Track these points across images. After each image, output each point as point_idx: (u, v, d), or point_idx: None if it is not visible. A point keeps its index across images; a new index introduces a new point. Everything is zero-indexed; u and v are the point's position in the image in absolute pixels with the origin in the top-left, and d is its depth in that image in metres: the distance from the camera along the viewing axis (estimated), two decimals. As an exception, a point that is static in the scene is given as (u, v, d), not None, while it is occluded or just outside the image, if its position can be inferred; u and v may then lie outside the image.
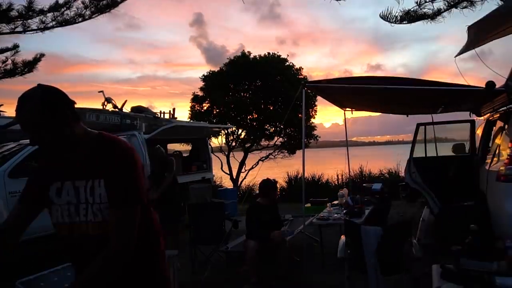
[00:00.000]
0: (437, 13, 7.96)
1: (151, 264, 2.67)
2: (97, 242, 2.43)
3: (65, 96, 2.46)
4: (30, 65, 10.88)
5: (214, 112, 21.93)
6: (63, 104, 2.43)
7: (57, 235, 2.60)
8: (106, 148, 2.50)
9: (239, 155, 22.77)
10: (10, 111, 16.32)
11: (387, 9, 7.99)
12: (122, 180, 2.44)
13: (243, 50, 23.81)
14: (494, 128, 8.77)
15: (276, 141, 22.55)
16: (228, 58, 22.78)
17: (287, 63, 22.55)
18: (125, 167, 2.46)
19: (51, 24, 10.39)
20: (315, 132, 22.45)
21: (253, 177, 20.47)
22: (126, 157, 2.49)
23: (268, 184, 7.96)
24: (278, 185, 19.96)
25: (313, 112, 22.35)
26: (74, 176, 2.50)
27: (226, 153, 22.62)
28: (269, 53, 22.77)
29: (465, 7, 7.84)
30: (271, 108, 21.91)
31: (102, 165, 2.44)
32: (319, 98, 19.02)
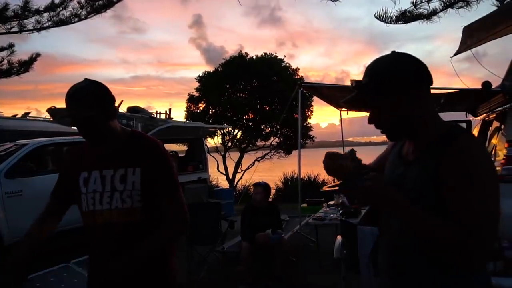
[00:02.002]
0: (433, 13, 7.97)
1: (163, 261, 2.74)
2: (119, 230, 2.59)
3: (111, 93, 2.63)
4: (26, 65, 10.87)
5: (210, 112, 21.96)
6: (110, 100, 2.61)
7: (84, 224, 2.72)
8: (146, 142, 2.70)
9: (235, 155, 22.78)
10: (7, 111, 16.29)
11: (382, 9, 7.99)
12: (169, 170, 2.67)
13: (240, 50, 23.83)
14: (490, 128, 8.78)
15: (272, 141, 22.59)
16: (224, 59, 22.81)
17: (284, 64, 22.58)
18: (165, 158, 2.68)
19: (47, 24, 10.39)
20: (311, 133, 22.53)
21: (249, 178, 20.50)
22: (161, 149, 2.71)
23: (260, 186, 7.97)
24: (274, 185, 20.00)
25: (309, 112, 22.41)
26: (102, 166, 2.64)
27: (222, 153, 22.64)
28: (265, 53, 22.86)
29: (461, 7, 7.85)
30: (267, 109, 21.94)
31: (138, 154, 2.62)
32: (315, 98, 19.06)
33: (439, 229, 1.73)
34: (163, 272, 2.72)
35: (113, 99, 2.63)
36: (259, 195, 7.83)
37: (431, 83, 1.95)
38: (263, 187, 7.94)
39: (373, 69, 1.95)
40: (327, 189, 2.26)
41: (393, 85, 1.88)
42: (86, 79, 2.60)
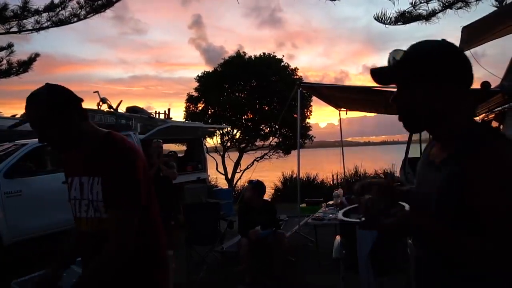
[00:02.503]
0: (432, 14, 7.97)
1: (144, 267, 2.63)
2: (98, 238, 2.49)
3: (72, 95, 2.53)
4: (25, 65, 10.86)
5: (209, 112, 21.95)
6: (69, 103, 2.50)
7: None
8: (108, 147, 2.52)
9: (234, 155, 22.77)
10: (6, 111, 16.28)
11: (381, 10, 8.00)
12: (120, 181, 2.44)
13: (239, 50, 23.81)
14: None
15: (271, 141, 22.58)
16: (223, 59, 22.80)
17: (283, 63, 22.58)
18: (124, 168, 2.47)
19: (46, 24, 10.38)
20: (310, 132, 22.49)
21: (248, 178, 20.50)
22: (126, 158, 2.50)
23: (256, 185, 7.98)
24: (273, 185, 19.99)
25: (308, 112, 22.39)
26: (80, 172, 2.57)
27: (221, 153, 22.62)
28: (264, 53, 22.83)
29: (460, 7, 7.85)
30: (266, 108, 21.93)
31: (101, 163, 2.48)
32: (314, 98, 19.06)
33: (468, 244, 1.67)
34: (148, 285, 2.64)
35: (74, 101, 2.53)
36: (248, 192, 7.86)
37: (470, 85, 1.87)
38: (253, 184, 7.96)
39: (418, 48, 1.87)
40: (345, 219, 2.25)
41: (432, 70, 1.79)
42: (46, 84, 2.52)
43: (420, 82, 1.81)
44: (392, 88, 9.61)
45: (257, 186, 8.01)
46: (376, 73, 1.94)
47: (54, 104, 2.42)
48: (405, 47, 1.88)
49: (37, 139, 7.68)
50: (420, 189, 2.01)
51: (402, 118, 1.94)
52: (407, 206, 2.02)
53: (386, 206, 1.94)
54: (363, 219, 1.92)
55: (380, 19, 8.04)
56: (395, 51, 1.94)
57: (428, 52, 1.83)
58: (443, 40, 1.86)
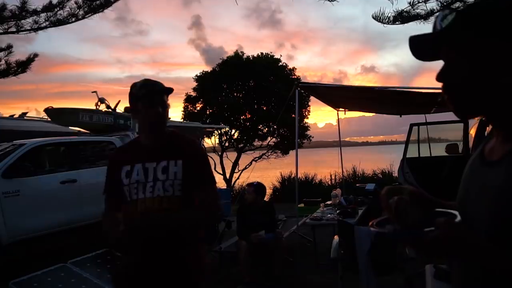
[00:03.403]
0: (430, 13, 7.97)
1: (193, 246, 3.00)
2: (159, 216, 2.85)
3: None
4: (23, 65, 10.84)
5: (207, 112, 21.91)
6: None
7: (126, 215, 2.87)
8: (187, 139, 3.11)
9: (233, 155, 22.76)
10: (5, 111, 16.28)
11: (380, 10, 7.99)
12: (206, 164, 3.03)
13: (237, 50, 23.79)
14: (487, 128, 8.80)
15: (269, 141, 22.57)
16: (221, 59, 22.78)
17: (280, 63, 22.58)
18: (206, 155, 3.13)
19: (44, 24, 10.37)
20: (308, 132, 22.48)
21: (246, 178, 20.50)
22: (203, 148, 3.04)
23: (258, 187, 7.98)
24: (271, 185, 19.99)
25: (306, 112, 22.38)
26: (144, 160, 2.92)
27: (220, 153, 22.61)
28: (262, 53, 22.82)
29: (458, 7, 7.85)
30: (264, 108, 21.90)
31: (182, 149, 2.94)
32: (312, 98, 19.06)
33: None
34: (193, 257, 2.96)
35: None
36: (250, 195, 7.85)
37: None
38: (254, 187, 7.95)
39: (479, 4, 1.38)
40: (375, 229, 1.53)
41: (498, 22, 1.31)
42: (146, 79, 3.00)
43: (487, 46, 1.33)
44: (391, 88, 9.55)
45: (259, 189, 8.02)
46: (419, 41, 1.47)
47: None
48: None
49: (35, 139, 7.60)
50: (467, 196, 1.52)
51: (454, 99, 1.46)
52: (458, 216, 1.44)
53: (426, 214, 1.50)
54: (392, 229, 1.51)
55: (378, 18, 8.04)
56: (444, 11, 1.41)
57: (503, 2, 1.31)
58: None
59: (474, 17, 1.35)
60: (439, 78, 1.44)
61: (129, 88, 2.95)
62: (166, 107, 2.95)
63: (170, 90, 2.99)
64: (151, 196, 2.84)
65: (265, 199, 8.51)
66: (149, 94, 2.88)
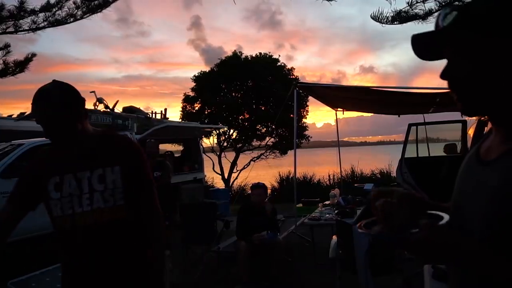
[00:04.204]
0: (429, 13, 7.97)
1: (142, 254, 2.79)
2: (105, 230, 2.63)
3: (79, 94, 2.68)
4: (21, 65, 10.82)
5: (206, 112, 21.93)
6: (78, 102, 2.65)
7: (57, 229, 2.69)
8: (120, 139, 2.81)
9: (231, 155, 22.78)
10: (3, 111, 16.28)
11: (378, 9, 8.00)
12: (143, 166, 2.78)
13: (235, 50, 23.80)
14: (485, 128, 8.80)
15: (267, 141, 22.60)
16: (219, 59, 22.79)
17: (279, 64, 22.59)
18: (141, 154, 2.80)
19: (42, 24, 10.36)
20: (306, 132, 22.52)
21: (245, 178, 20.49)
22: (138, 146, 2.84)
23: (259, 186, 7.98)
24: (270, 185, 20.00)
25: (304, 112, 22.41)
26: (75, 169, 2.63)
27: (218, 153, 22.61)
28: (260, 53, 22.85)
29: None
30: (263, 109, 21.92)
31: (117, 153, 2.69)
32: (310, 98, 19.08)
33: None
34: (144, 265, 2.77)
35: (81, 101, 2.68)
36: (260, 197, 7.84)
37: None
38: (262, 188, 7.95)
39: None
40: (362, 231, 1.54)
41: (498, 19, 1.29)
42: (54, 81, 2.63)
43: (488, 44, 1.31)
44: (389, 88, 9.55)
45: (266, 189, 8.04)
46: (421, 40, 1.43)
47: (64, 104, 2.54)
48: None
49: (33, 139, 7.61)
50: (462, 196, 1.50)
51: (462, 97, 1.42)
52: (446, 218, 1.45)
53: (414, 216, 1.48)
54: (377, 231, 1.50)
55: (377, 18, 8.05)
56: (446, 10, 1.39)
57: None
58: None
59: (475, 15, 1.32)
60: (443, 76, 1.43)
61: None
62: (59, 121, 2.54)
63: (48, 98, 2.54)
64: (90, 209, 2.60)
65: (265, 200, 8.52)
66: (36, 114, 2.57)
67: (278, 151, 22.75)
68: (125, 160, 2.68)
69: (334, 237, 6.31)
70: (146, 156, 2.85)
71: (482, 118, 8.71)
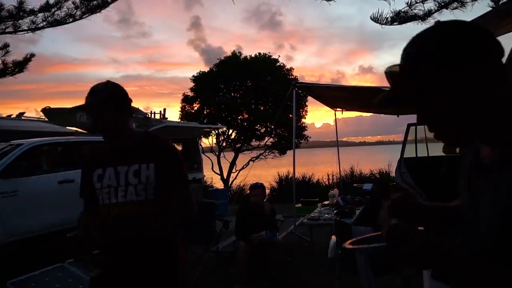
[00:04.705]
0: (428, 14, 7.98)
1: (170, 252, 2.95)
2: (132, 222, 2.78)
3: (127, 95, 2.94)
4: (20, 65, 10.83)
5: (205, 112, 21.94)
6: (127, 100, 2.94)
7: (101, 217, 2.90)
8: (159, 141, 3.01)
9: (230, 155, 22.77)
10: (2, 111, 16.28)
11: (378, 11, 8.01)
12: (179, 166, 2.93)
13: (234, 50, 23.80)
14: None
15: (266, 141, 22.61)
16: (218, 59, 22.79)
17: (278, 64, 22.59)
18: (179, 157, 2.98)
19: (41, 24, 10.37)
20: (305, 132, 22.54)
21: (244, 178, 20.48)
22: (174, 147, 3.04)
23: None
24: (269, 185, 20.00)
25: (303, 112, 22.41)
26: (116, 163, 2.88)
27: (217, 153, 22.61)
28: (259, 53, 22.84)
29: (456, 7, 7.86)
30: (262, 109, 21.94)
31: (154, 152, 2.89)
32: (310, 98, 19.09)
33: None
34: (170, 263, 2.91)
35: (129, 100, 2.95)
36: (259, 197, 7.84)
37: (500, 54, 1.34)
38: (261, 188, 7.96)
39: (411, 47, 1.39)
40: (350, 247, 1.59)
41: (438, 60, 1.30)
42: (108, 81, 2.89)
43: (439, 79, 1.31)
44: (387, 89, 9.70)
45: (265, 189, 8.06)
46: (384, 100, 1.47)
47: (117, 100, 2.84)
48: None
49: (32, 139, 7.63)
50: (470, 201, 1.47)
51: (448, 136, 1.42)
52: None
53: (409, 227, 1.43)
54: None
55: (376, 19, 8.06)
56: (391, 67, 1.41)
57: (431, 41, 1.33)
58: (438, 22, 1.42)
59: (406, 69, 1.36)
60: (420, 123, 1.43)
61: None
62: (106, 115, 2.79)
63: (103, 101, 2.78)
64: (123, 200, 2.82)
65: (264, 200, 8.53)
66: (88, 107, 2.83)
67: (277, 151, 22.75)
68: (160, 158, 2.86)
69: (333, 237, 6.30)
70: (181, 157, 3.00)
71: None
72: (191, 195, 2.96)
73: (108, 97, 2.78)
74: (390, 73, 1.40)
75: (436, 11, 7.99)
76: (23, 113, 14.99)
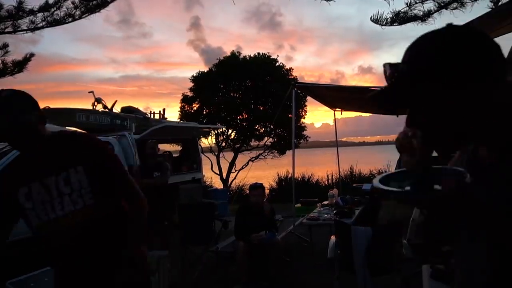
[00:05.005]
0: (427, 14, 7.98)
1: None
2: (77, 233, 2.60)
3: (32, 98, 2.57)
4: (20, 65, 10.81)
5: (204, 112, 21.93)
6: (37, 104, 2.58)
7: (38, 236, 2.70)
8: (79, 138, 2.74)
9: (229, 155, 22.76)
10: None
11: (378, 12, 8.01)
12: (108, 159, 2.73)
13: (233, 50, 23.79)
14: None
15: (266, 142, 22.60)
16: (218, 59, 22.78)
17: (277, 64, 22.59)
18: (104, 148, 2.75)
19: (41, 24, 10.36)
20: (305, 132, 22.51)
21: (243, 178, 20.47)
22: (98, 140, 2.76)
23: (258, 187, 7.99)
24: (268, 186, 19.98)
25: (303, 112, 22.39)
26: (41, 176, 2.59)
27: (216, 153, 22.60)
28: (259, 53, 22.84)
29: (455, 8, 7.86)
30: (261, 109, 21.93)
31: (78, 153, 2.62)
32: (309, 98, 19.09)
33: None
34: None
35: (36, 104, 2.58)
36: (259, 197, 7.84)
37: (502, 70, 1.30)
38: (261, 189, 7.96)
39: (417, 49, 1.35)
40: (380, 186, 1.41)
41: (443, 74, 1.26)
42: (3, 90, 2.48)
43: (438, 93, 1.29)
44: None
45: (264, 189, 8.05)
46: (376, 96, 1.49)
47: (35, 109, 2.53)
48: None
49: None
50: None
51: (436, 145, 1.43)
52: (465, 172, 1.36)
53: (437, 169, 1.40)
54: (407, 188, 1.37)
55: (376, 20, 8.06)
56: (389, 65, 1.36)
57: (439, 49, 1.27)
58: (450, 25, 1.32)
59: (407, 73, 1.33)
60: (409, 125, 1.42)
61: None
62: (26, 125, 2.47)
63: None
64: (63, 213, 2.57)
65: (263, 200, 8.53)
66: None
67: (276, 151, 22.73)
68: (87, 158, 2.62)
69: (333, 237, 6.31)
70: (111, 149, 2.85)
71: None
72: (133, 184, 2.80)
73: (27, 107, 2.50)
74: (389, 66, 1.36)
75: (435, 11, 7.98)
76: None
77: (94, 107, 11.69)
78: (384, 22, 8.11)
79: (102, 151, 2.71)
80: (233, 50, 23.21)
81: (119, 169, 2.77)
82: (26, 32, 10.45)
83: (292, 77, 22.24)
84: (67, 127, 12.18)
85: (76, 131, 2.85)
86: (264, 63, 22.22)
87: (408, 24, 8.29)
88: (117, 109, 12.50)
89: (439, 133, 1.36)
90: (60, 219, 2.58)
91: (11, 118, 2.40)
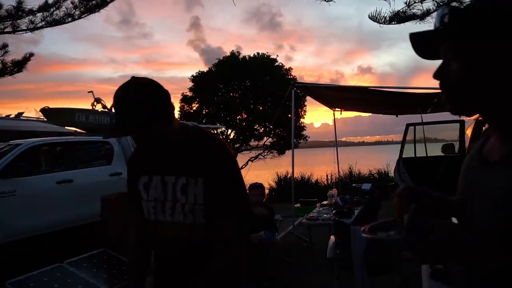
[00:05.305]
0: (426, 13, 7.97)
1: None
2: (185, 246, 2.35)
3: (161, 91, 2.25)
4: (20, 65, 10.80)
5: (204, 112, 21.94)
6: (157, 102, 2.23)
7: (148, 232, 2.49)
8: (209, 144, 2.34)
9: (229, 155, 22.75)
10: (1, 111, 16.26)
11: (376, 10, 8.00)
12: (231, 184, 2.34)
13: (233, 50, 23.80)
14: (483, 128, 8.81)
15: (265, 141, 22.60)
16: (217, 59, 22.79)
17: (277, 64, 22.59)
18: (232, 168, 2.37)
19: (40, 24, 10.35)
20: (304, 132, 22.54)
21: (243, 177, 20.46)
22: (231, 156, 2.39)
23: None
24: (267, 185, 19.96)
25: (302, 112, 22.40)
26: (163, 171, 2.37)
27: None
28: (258, 53, 22.86)
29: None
30: (261, 108, 21.95)
31: (203, 161, 2.28)
32: (308, 98, 19.09)
33: None
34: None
35: (163, 99, 2.24)
36: (259, 197, 7.83)
37: None
38: (261, 188, 7.95)
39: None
40: (368, 236, 1.44)
41: (493, 21, 1.24)
42: (132, 78, 2.24)
43: (483, 45, 1.27)
44: (387, 88, 9.56)
45: (264, 189, 8.05)
46: (419, 39, 1.42)
47: (144, 100, 2.15)
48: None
49: (31, 139, 7.58)
50: (468, 196, 1.46)
51: (451, 98, 1.40)
52: (454, 220, 1.44)
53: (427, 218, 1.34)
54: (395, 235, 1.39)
55: (374, 18, 8.05)
56: (443, 10, 1.33)
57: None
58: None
59: (469, 16, 1.28)
60: (436, 76, 1.40)
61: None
62: (132, 131, 2.28)
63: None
64: (171, 220, 2.32)
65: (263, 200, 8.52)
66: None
67: (276, 151, 22.75)
68: (209, 171, 2.26)
69: (332, 237, 6.31)
70: (236, 164, 2.43)
71: (480, 118, 8.72)
72: (240, 232, 2.37)
73: (136, 110, 2.15)
74: (443, 13, 1.32)
75: (434, 10, 7.98)
76: (22, 113, 14.97)
77: (94, 107, 11.67)
78: (383, 20, 8.10)
79: (227, 166, 2.33)
80: (232, 50, 23.26)
81: (234, 194, 2.35)
82: (26, 32, 10.44)
83: (291, 77, 22.28)
84: (66, 127, 12.24)
85: (211, 133, 2.49)
86: (264, 63, 22.23)
87: (407, 24, 8.28)
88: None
89: (465, 88, 1.33)
90: (167, 224, 2.34)
91: (119, 122, 2.21)
